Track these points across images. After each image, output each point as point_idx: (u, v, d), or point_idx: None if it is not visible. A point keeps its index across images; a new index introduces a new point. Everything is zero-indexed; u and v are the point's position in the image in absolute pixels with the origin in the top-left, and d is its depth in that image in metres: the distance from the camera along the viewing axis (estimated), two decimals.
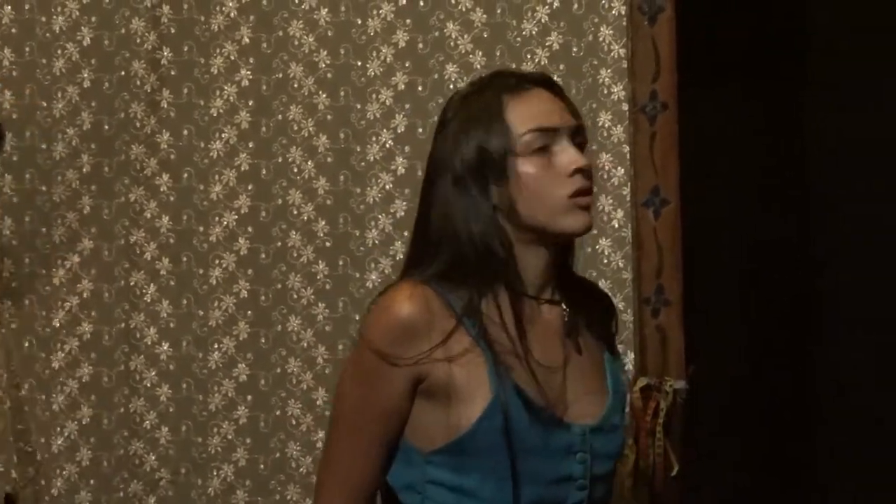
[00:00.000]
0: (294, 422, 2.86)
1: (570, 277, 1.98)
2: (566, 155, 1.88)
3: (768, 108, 3.22)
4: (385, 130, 2.82)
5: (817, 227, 3.19)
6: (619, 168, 2.74)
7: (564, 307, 1.93)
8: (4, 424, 2.82)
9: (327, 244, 2.84)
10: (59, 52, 2.90)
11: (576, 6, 2.77)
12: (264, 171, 2.87)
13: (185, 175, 2.89)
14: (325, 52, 2.84)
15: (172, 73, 2.89)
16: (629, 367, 2.61)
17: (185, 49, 2.89)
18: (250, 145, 2.87)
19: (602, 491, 1.95)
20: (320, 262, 2.84)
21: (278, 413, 2.86)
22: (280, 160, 2.86)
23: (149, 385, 2.90)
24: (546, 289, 1.92)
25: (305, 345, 2.84)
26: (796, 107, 3.21)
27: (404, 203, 2.80)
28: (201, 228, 2.89)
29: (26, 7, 2.90)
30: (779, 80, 3.18)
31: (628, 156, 2.74)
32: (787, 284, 3.21)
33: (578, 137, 1.91)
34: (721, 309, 3.12)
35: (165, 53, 2.89)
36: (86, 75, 2.90)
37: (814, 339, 3.21)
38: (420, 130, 2.80)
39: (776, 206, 3.22)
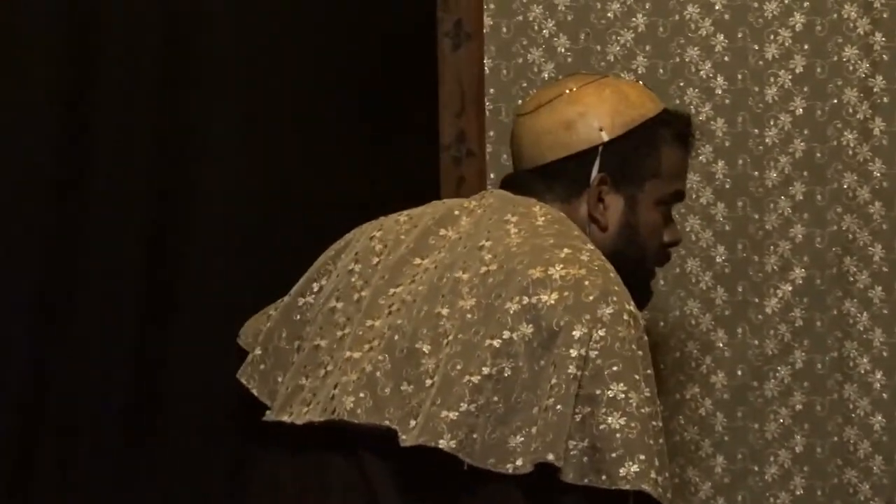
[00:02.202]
0: None
1: None
2: None
3: None
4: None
5: None
6: None
7: None
8: None
9: None
10: (772, 79, 2.88)
11: None
12: None
13: None
14: None
15: (885, 100, 2.87)
16: None
17: None
18: None
19: None
20: None
21: None
22: None
23: (862, 414, 2.89)
24: None
25: None
26: None
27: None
28: None
29: (739, 35, 2.88)
30: None
31: None
32: None
33: None
34: None
35: (878, 81, 2.87)
36: (798, 103, 2.88)
37: None
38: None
39: None
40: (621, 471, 1.94)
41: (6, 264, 2.81)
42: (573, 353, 1.98)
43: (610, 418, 1.97)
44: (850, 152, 2.88)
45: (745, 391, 2.89)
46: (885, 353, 2.89)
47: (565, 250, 2.09)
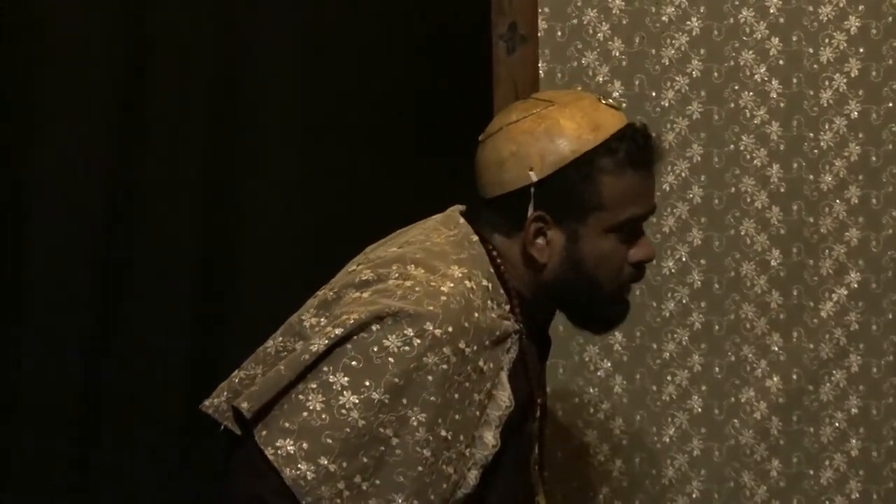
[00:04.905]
0: None
1: None
2: None
3: None
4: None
5: None
6: None
7: None
8: None
9: None
10: (827, 83, 2.88)
11: None
12: None
13: None
14: None
15: None
16: None
17: None
18: None
19: None
20: None
21: None
22: None
23: None
24: None
25: None
26: None
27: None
28: None
29: (793, 39, 2.88)
30: None
31: None
32: None
33: None
34: None
35: None
36: (853, 106, 2.88)
37: None
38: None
39: None
40: (279, 441, 1.92)
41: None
42: (335, 332, 1.96)
43: (312, 395, 1.94)
44: None
45: (800, 395, 2.89)
46: None
47: (420, 267, 2.05)
